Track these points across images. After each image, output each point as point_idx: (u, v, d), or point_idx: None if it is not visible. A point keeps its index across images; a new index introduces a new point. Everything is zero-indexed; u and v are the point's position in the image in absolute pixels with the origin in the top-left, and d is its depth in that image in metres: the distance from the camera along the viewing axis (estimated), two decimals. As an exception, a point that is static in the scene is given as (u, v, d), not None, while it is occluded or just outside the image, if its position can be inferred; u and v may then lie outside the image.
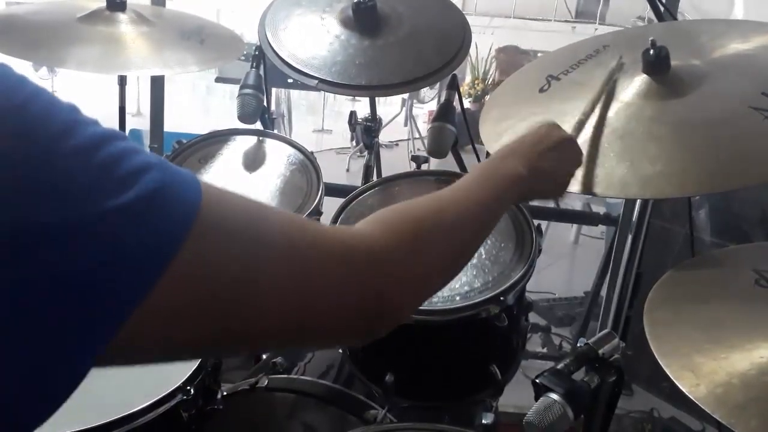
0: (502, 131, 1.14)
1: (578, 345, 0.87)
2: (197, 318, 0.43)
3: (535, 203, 1.10)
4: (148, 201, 0.40)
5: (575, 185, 0.99)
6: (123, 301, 0.39)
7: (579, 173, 0.99)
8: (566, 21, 8.89)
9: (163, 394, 1.05)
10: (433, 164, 1.96)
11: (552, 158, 0.84)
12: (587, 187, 0.99)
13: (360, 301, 0.53)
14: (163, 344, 0.43)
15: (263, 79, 1.61)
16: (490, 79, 7.26)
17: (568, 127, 0.95)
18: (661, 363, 0.81)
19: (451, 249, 0.64)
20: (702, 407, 0.74)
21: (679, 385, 0.77)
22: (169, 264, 0.40)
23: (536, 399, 0.80)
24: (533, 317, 1.87)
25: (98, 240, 0.38)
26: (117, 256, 0.38)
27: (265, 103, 1.62)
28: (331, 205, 1.39)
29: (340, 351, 1.32)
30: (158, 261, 0.40)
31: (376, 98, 1.80)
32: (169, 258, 0.40)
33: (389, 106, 6.74)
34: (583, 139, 1.03)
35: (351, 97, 6.96)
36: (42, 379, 0.38)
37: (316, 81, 1.46)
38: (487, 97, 6.96)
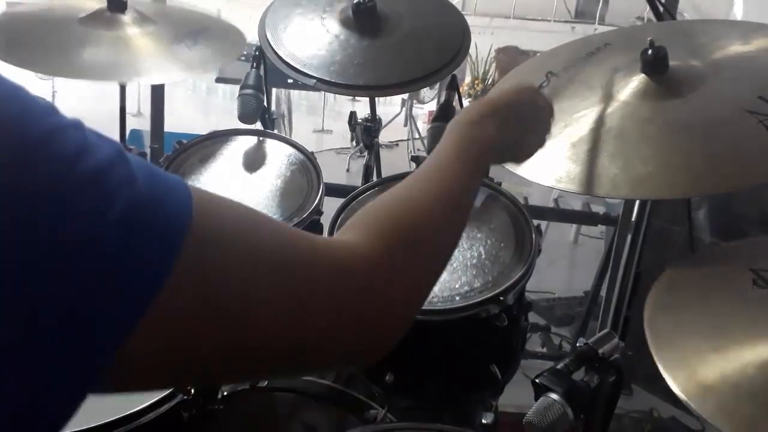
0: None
1: (578, 345, 0.88)
2: (192, 337, 0.40)
3: (534, 203, 1.10)
4: (134, 218, 0.37)
5: (568, 184, 0.99)
6: (117, 325, 0.36)
7: (573, 172, 0.99)
8: (566, 21, 8.90)
9: (164, 394, 1.05)
10: (433, 164, 1.95)
11: (524, 125, 0.81)
12: (580, 186, 0.99)
13: (360, 318, 0.50)
14: (159, 368, 0.41)
15: (263, 79, 1.61)
16: (490, 79, 7.26)
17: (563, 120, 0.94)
18: (658, 363, 0.81)
19: (441, 243, 0.61)
20: (700, 408, 0.74)
21: (671, 385, 0.77)
22: (161, 284, 0.37)
23: (536, 399, 0.80)
24: (533, 317, 1.87)
25: (87, 261, 0.35)
26: (107, 279, 0.35)
27: (265, 103, 1.62)
28: (331, 205, 1.39)
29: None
30: (150, 281, 0.37)
31: (376, 98, 1.81)
32: (161, 278, 0.37)
33: (389, 106, 6.74)
34: (578, 138, 1.03)
35: (351, 98, 6.96)
36: (34, 410, 0.35)
37: (314, 81, 1.46)
38: (487, 97, 6.90)
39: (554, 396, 0.79)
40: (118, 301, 0.36)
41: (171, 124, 2.55)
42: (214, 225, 0.42)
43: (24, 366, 0.34)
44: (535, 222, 1.27)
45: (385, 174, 1.55)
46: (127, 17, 1.58)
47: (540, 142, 0.86)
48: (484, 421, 1.17)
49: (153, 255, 0.37)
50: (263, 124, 1.64)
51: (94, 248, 0.35)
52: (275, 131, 1.70)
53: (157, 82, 2.31)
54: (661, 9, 1.34)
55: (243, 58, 1.73)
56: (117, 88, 1.73)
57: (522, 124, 0.80)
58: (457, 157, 0.69)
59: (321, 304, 0.47)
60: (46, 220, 0.34)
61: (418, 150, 6.02)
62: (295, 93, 5.98)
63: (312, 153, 1.55)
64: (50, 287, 0.34)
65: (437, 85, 4.41)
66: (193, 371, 0.44)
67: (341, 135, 6.26)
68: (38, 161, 0.34)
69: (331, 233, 1.26)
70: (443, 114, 1.45)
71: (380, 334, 0.52)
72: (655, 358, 0.80)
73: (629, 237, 1.41)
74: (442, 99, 1.51)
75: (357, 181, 1.75)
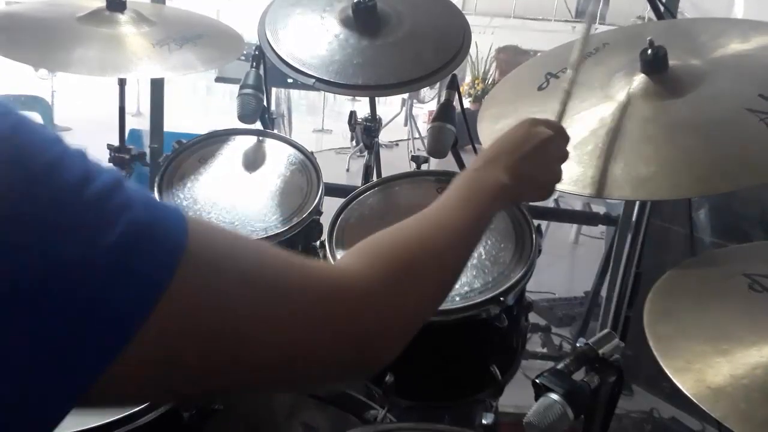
0: (499, 129, 1.14)
1: (578, 345, 0.87)
2: (183, 355, 0.41)
3: (534, 203, 1.10)
4: (132, 241, 0.38)
5: (570, 186, 0.99)
6: (107, 344, 0.37)
7: (574, 174, 0.99)
8: (566, 21, 8.89)
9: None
10: (433, 164, 1.96)
11: (534, 160, 0.79)
12: (582, 188, 0.99)
13: (350, 339, 0.51)
14: (147, 389, 0.42)
15: (263, 78, 1.60)
16: (490, 79, 7.26)
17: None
18: (661, 363, 0.81)
19: (441, 275, 0.62)
20: (702, 407, 0.74)
21: (678, 385, 0.77)
22: (155, 304, 0.39)
23: (536, 399, 0.80)
24: (533, 317, 1.86)
25: (84, 282, 0.36)
26: (101, 300, 0.37)
27: (265, 103, 1.62)
28: (331, 205, 1.39)
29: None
30: (144, 302, 0.38)
31: (376, 98, 1.80)
32: (152, 302, 0.38)
33: (389, 106, 6.74)
34: (579, 140, 1.03)
35: (351, 97, 6.97)
36: (17, 421, 0.36)
37: (314, 80, 1.46)
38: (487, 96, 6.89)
39: (554, 396, 0.79)
40: (112, 320, 0.37)
41: (170, 124, 2.55)
42: (208, 249, 0.44)
43: (13, 376, 0.35)
44: (536, 222, 1.27)
45: (385, 174, 1.55)
46: (125, 17, 1.58)
47: (557, 174, 0.84)
48: (484, 421, 1.17)
49: (148, 277, 0.39)
50: (263, 123, 1.64)
51: (92, 269, 0.36)
52: (275, 131, 1.70)
53: (136, 78, 2.31)
54: (662, 8, 1.34)
55: (243, 57, 1.72)
56: (116, 88, 1.73)
57: (532, 161, 0.78)
58: (460, 203, 0.69)
59: (311, 323, 0.48)
60: (51, 242, 0.35)
61: (418, 150, 6.02)
62: (294, 93, 5.99)
63: (312, 153, 1.55)
64: (48, 308, 0.35)
65: (437, 85, 4.41)
66: (183, 388, 0.45)
67: (341, 135, 6.26)
68: (44, 189, 0.36)
69: (331, 233, 1.26)
70: (443, 114, 1.45)
71: (372, 352, 0.53)
72: (662, 364, 0.80)
73: (629, 237, 1.41)
74: (442, 99, 1.50)
75: (357, 181, 1.75)
